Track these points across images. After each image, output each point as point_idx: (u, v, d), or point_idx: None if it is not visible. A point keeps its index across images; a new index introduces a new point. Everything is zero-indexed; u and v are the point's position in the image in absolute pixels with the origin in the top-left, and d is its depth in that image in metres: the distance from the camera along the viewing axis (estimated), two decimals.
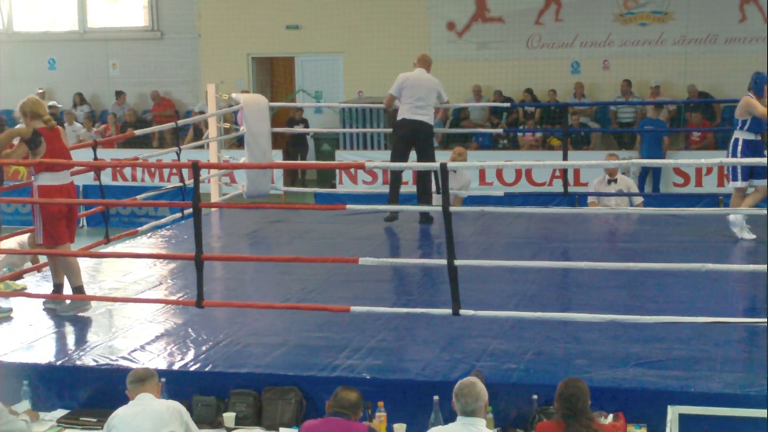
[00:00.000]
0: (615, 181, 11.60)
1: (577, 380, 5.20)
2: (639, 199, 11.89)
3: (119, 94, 21.50)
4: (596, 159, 15.01)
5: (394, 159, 10.29)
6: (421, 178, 10.59)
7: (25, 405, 6.34)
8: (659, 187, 16.83)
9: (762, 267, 6.45)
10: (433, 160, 10.19)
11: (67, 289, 7.76)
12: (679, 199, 15.28)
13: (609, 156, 13.43)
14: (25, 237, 9.60)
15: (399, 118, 10.29)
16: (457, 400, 5.08)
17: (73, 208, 7.77)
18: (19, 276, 8.77)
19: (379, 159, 17.45)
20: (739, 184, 9.42)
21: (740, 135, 9.32)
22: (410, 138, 10.28)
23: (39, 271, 8.83)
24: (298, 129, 19.84)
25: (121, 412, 5.53)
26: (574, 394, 5.05)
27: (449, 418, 5.25)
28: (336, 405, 5.30)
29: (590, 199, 11.67)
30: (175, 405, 5.57)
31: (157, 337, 7.05)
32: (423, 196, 10.49)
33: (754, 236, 9.36)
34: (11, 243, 9.44)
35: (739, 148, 9.27)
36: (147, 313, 7.59)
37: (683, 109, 18.43)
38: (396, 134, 10.43)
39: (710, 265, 6.51)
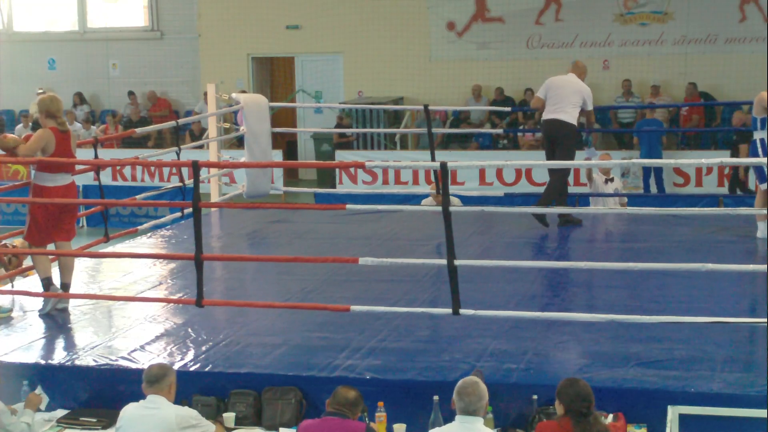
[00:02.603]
0: (612, 180, 11.67)
1: (581, 380, 5.18)
2: (624, 200, 12.04)
3: (131, 94, 21.51)
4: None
5: (547, 160, 10.33)
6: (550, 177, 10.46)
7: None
8: (664, 187, 16.84)
9: (762, 267, 6.45)
10: (565, 154, 10.02)
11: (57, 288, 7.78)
12: (679, 199, 15.29)
13: (603, 156, 13.42)
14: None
15: (542, 119, 10.35)
16: (461, 399, 5.06)
17: (71, 209, 7.78)
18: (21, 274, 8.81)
19: (379, 159, 17.48)
20: (763, 186, 9.18)
21: (761, 135, 9.09)
22: (550, 137, 10.26)
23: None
24: (297, 129, 19.91)
25: (129, 412, 5.53)
26: (589, 394, 5.04)
27: (449, 418, 5.24)
28: (334, 403, 5.31)
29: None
30: (185, 413, 5.51)
31: (157, 337, 7.05)
32: (547, 197, 10.26)
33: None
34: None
35: (765, 148, 9.09)
36: (147, 313, 7.59)
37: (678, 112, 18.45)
38: (542, 135, 10.54)
39: (710, 265, 6.51)
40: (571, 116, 10.12)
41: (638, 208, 11.43)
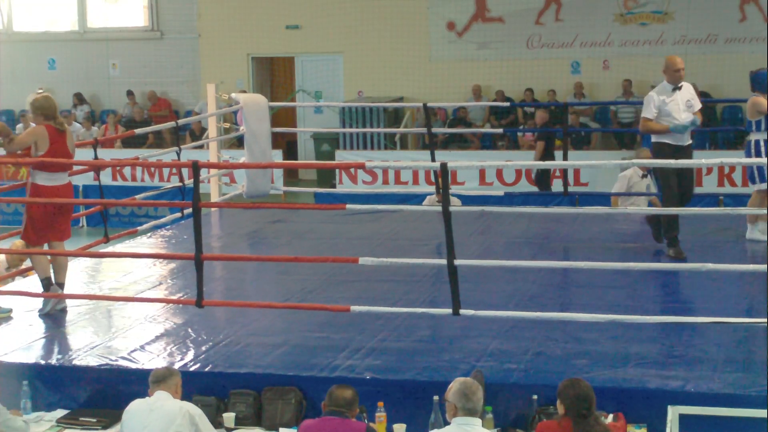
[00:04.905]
0: (646, 176, 11.64)
1: (583, 380, 5.18)
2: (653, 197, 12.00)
3: (129, 94, 21.52)
4: (596, 159, 15.00)
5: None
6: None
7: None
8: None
9: (762, 267, 6.45)
10: (658, 184, 9.34)
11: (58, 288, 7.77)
12: None
13: (643, 152, 13.20)
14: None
15: None
16: (468, 400, 5.01)
17: (66, 210, 7.78)
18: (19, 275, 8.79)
19: (379, 159, 17.48)
20: (763, 185, 9.21)
21: (756, 136, 9.16)
22: None
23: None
24: (297, 129, 19.90)
25: (134, 406, 5.58)
26: (590, 395, 5.04)
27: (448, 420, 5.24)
28: (331, 404, 5.29)
29: (615, 189, 11.57)
30: (189, 407, 5.57)
31: (157, 337, 7.05)
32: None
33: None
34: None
35: (762, 149, 9.10)
36: (147, 313, 7.59)
37: None
38: None
39: (710, 265, 6.51)
40: (655, 135, 9.00)
41: (638, 208, 11.44)
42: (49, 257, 7.83)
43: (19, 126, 20.00)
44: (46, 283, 7.67)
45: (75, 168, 8.47)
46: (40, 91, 19.79)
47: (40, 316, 7.58)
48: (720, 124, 18.73)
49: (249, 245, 10.14)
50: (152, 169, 18.70)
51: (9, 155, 7.78)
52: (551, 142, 16.02)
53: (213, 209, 11.39)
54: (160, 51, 21.77)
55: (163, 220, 10.60)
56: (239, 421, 6.13)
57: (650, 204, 11.98)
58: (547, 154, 15.65)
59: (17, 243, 9.37)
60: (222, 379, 6.33)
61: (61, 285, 7.80)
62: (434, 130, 12.64)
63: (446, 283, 6.59)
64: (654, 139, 9.00)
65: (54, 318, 7.56)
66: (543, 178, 16.10)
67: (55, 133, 7.58)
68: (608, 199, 12.13)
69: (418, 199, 13.90)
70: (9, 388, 6.33)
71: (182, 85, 21.76)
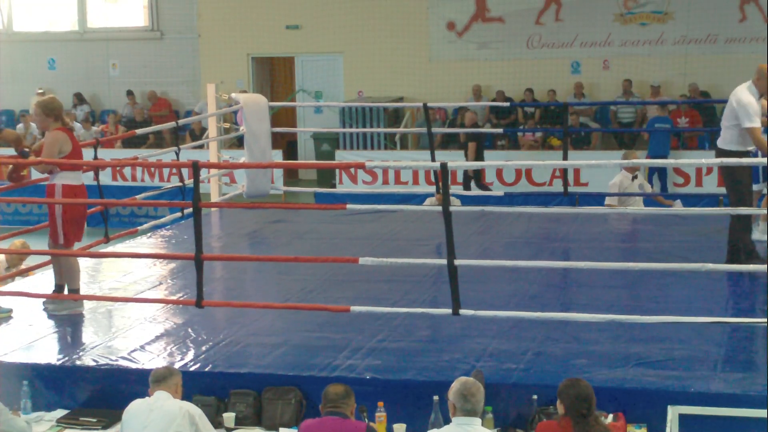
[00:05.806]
0: (636, 177, 11.68)
1: (583, 380, 5.18)
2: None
3: (129, 94, 21.53)
4: (596, 159, 15.00)
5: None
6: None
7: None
8: (667, 186, 16.84)
9: (762, 267, 6.46)
10: (731, 192, 8.35)
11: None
12: (679, 199, 15.28)
13: (631, 154, 13.22)
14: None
15: None
16: (466, 401, 5.03)
17: (85, 209, 7.82)
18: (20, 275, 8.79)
19: (379, 159, 17.49)
20: (757, 186, 9.27)
21: None
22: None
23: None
24: (297, 129, 19.90)
25: (134, 406, 5.59)
26: (590, 395, 5.04)
27: (449, 418, 5.24)
28: (327, 403, 5.30)
29: (608, 200, 11.57)
30: (189, 407, 5.58)
31: (157, 337, 7.05)
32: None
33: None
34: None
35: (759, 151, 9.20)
36: (147, 313, 7.59)
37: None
38: None
39: (710, 265, 6.51)
40: (725, 140, 8.35)
41: (638, 208, 11.44)
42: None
43: (19, 126, 20.01)
44: (75, 291, 7.65)
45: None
46: (40, 91, 19.79)
47: (49, 316, 7.56)
48: (720, 124, 18.70)
49: (249, 245, 10.14)
50: (152, 169, 18.70)
51: (13, 157, 7.76)
52: (482, 142, 16.10)
53: (213, 209, 11.40)
54: (160, 51, 21.78)
55: (163, 220, 10.59)
56: (239, 421, 6.13)
57: (651, 203, 11.96)
58: (478, 154, 15.71)
59: (17, 243, 9.38)
60: (222, 379, 6.33)
61: (62, 287, 7.79)
62: (434, 130, 12.63)
63: (446, 283, 6.59)
64: (733, 147, 8.25)
65: (54, 318, 7.55)
66: (468, 179, 16.13)
67: (69, 133, 7.60)
68: None
69: (418, 199, 13.92)
70: (9, 388, 6.33)
71: (182, 85, 21.77)
